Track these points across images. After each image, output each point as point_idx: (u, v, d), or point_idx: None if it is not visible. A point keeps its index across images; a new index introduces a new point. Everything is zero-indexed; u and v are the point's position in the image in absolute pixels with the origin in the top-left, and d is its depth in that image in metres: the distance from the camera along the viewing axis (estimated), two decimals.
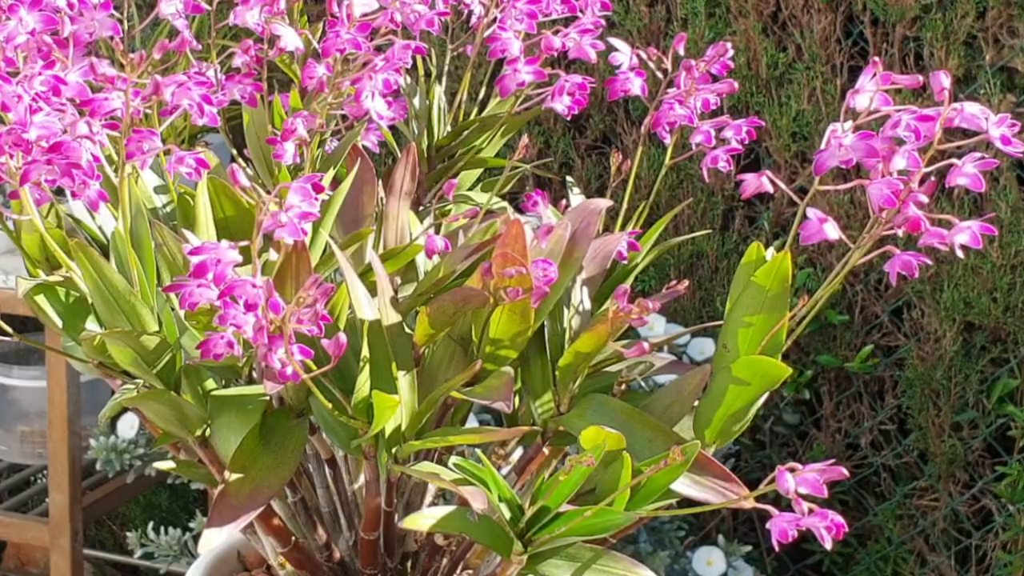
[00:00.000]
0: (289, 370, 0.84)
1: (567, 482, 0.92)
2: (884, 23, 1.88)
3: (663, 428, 0.98)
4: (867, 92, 0.93)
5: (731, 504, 0.94)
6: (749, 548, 1.88)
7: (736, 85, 1.11)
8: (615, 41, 1.13)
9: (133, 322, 0.97)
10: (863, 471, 1.98)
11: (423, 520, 0.95)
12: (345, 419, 0.97)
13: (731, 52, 1.10)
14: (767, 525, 0.88)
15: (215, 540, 0.92)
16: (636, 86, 1.12)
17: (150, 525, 2.01)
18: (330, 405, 0.96)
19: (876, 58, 0.94)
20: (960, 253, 0.93)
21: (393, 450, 0.98)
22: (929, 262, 0.95)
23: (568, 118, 1.25)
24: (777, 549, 0.89)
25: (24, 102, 0.86)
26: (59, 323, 1.04)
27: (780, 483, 0.86)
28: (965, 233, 0.92)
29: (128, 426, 2.00)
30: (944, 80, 0.89)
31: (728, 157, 1.09)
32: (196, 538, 1.97)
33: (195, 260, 0.85)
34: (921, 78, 0.94)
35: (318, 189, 0.87)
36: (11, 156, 0.86)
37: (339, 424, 0.98)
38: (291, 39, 1.02)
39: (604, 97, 2.05)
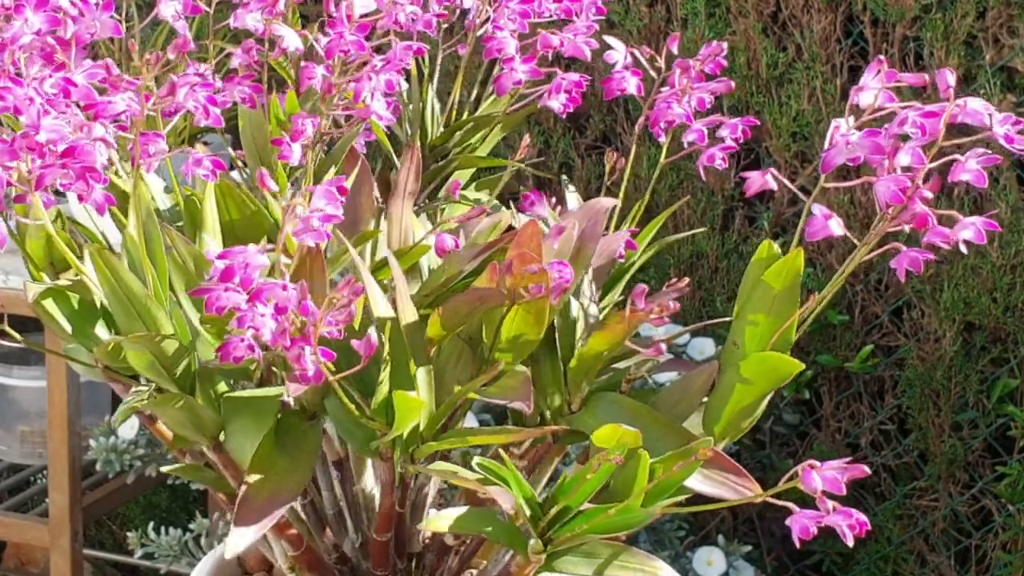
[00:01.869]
0: (311, 372, 0.84)
1: (593, 480, 0.92)
2: (884, 23, 1.88)
3: (674, 425, 0.99)
4: (872, 89, 0.93)
5: (744, 501, 0.94)
6: (749, 548, 1.88)
7: (732, 84, 1.11)
8: (610, 39, 1.13)
9: (149, 326, 0.96)
10: None
11: (442, 521, 0.95)
12: (364, 420, 0.96)
13: (725, 51, 1.10)
14: (787, 522, 0.89)
15: (241, 543, 0.92)
16: (632, 85, 1.12)
17: (150, 525, 2.00)
18: (353, 407, 0.95)
19: (881, 56, 0.94)
20: (964, 248, 0.93)
21: (409, 451, 0.98)
22: (935, 258, 0.95)
23: (564, 117, 1.25)
24: (797, 544, 0.89)
25: (36, 105, 0.85)
26: (68, 328, 1.03)
27: (806, 481, 0.87)
28: (969, 229, 0.93)
29: (128, 426, 2.00)
30: (949, 77, 0.90)
31: (724, 155, 1.09)
32: (196, 538, 1.97)
33: (222, 264, 0.84)
34: (927, 76, 0.94)
35: (342, 192, 0.87)
36: (23, 160, 0.85)
37: (356, 426, 0.97)
38: (292, 40, 1.02)
39: (604, 97, 2.04)
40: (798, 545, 0.89)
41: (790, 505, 0.89)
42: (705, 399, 1.01)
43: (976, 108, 0.91)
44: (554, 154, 2.10)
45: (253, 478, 0.95)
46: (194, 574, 1.17)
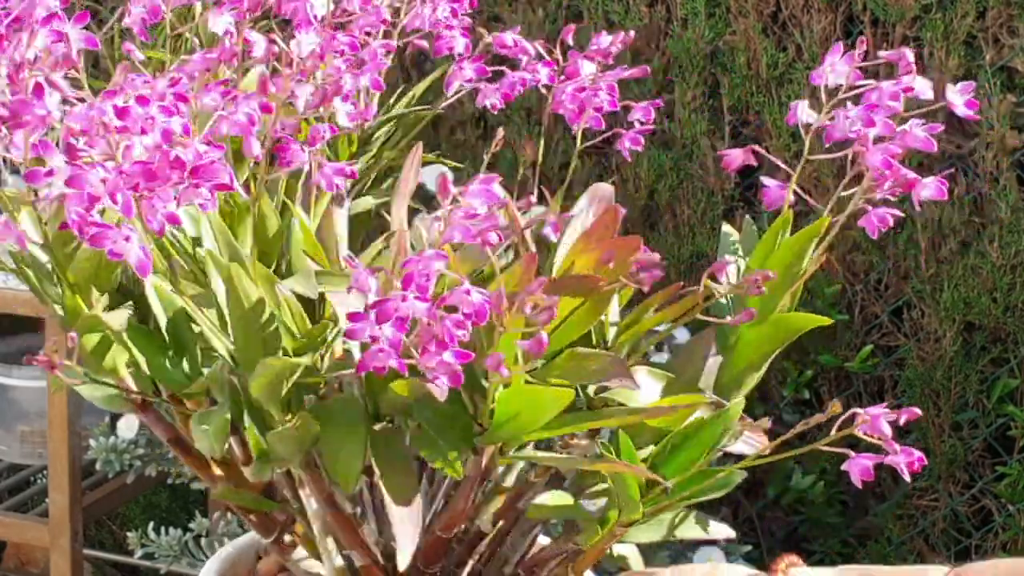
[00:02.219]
0: (450, 374, 0.83)
1: (700, 450, 0.96)
2: (884, 23, 1.88)
3: (697, 389, 1.01)
4: (840, 71, 0.99)
5: (759, 460, 0.96)
6: (749, 548, 1.88)
7: (648, 69, 1.14)
8: (514, 35, 1.14)
9: (268, 346, 0.94)
10: None
11: (545, 504, 0.98)
12: (468, 417, 0.95)
13: (632, 38, 1.13)
14: (843, 467, 0.95)
15: (410, 548, 0.92)
16: (544, 75, 1.13)
17: (150, 525, 2.00)
18: (472, 407, 0.94)
19: (840, 44, 1.01)
20: (918, 207, 0.99)
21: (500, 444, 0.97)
22: (900, 214, 1.01)
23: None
24: (859, 484, 0.95)
25: (160, 123, 0.83)
26: (143, 360, 0.98)
27: (875, 427, 0.94)
28: (929, 187, 0.97)
29: (128, 426, 2.00)
30: (909, 55, 0.98)
31: (640, 139, 1.12)
32: (196, 538, 1.97)
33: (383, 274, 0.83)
34: (904, 51, 0.99)
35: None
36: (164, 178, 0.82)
37: (451, 423, 0.96)
38: (262, 47, 1.01)
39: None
40: (859, 485, 0.95)
41: (847, 451, 0.95)
42: (720, 359, 1.04)
43: (922, 87, 0.99)
44: (554, 154, 2.10)
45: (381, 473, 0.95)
46: None
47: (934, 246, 1.87)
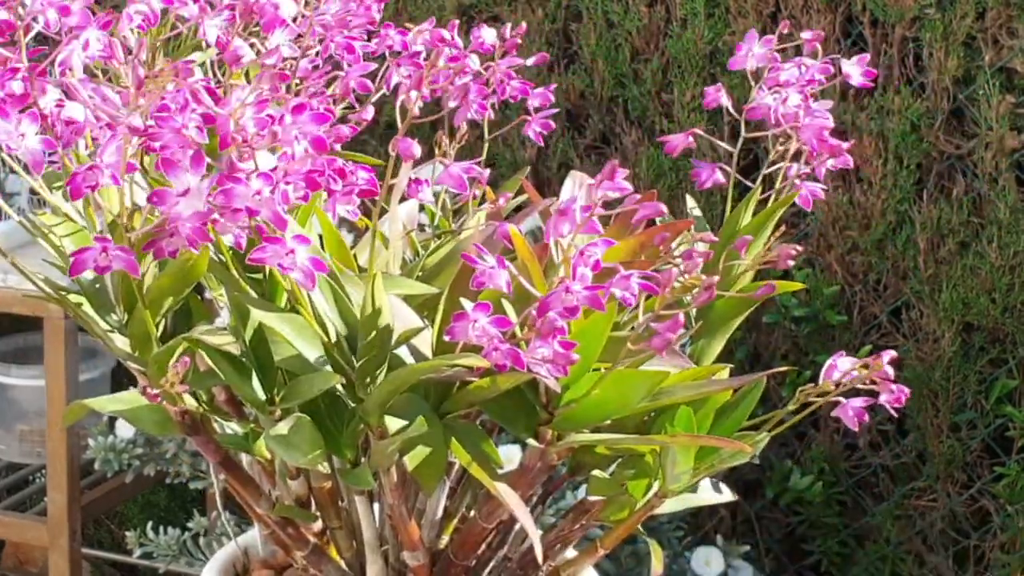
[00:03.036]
0: (562, 363, 0.85)
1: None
2: (884, 23, 1.89)
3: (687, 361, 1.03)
4: (756, 54, 1.08)
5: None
6: (747, 548, 1.88)
7: (547, 56, 1.14)
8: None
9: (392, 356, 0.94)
10: (861, 471, 1.99)
11: (603, 479, 1.01)
12: (540, 406, 0.95)
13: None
14: (834, 413, 0.96)
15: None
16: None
17: (148, 524, 2.01)
18: (545, 395, 0.94)
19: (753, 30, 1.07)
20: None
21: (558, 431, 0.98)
22: (821, 195, 1.08)
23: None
24: (855, 427, 0.95)
25: (309, 130, 0.81)
26: (259, 394, 0.95)
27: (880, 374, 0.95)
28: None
29: (126, 425, 2.00)
30: (813, 36, 1.05)
31: (542, 129, 1.12)
32: (195, 538, 1.97)
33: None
34: (822, 33, 1.06)
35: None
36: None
37: (519, 412, 0.96)
38: (247, 53, 1.00)
39: (603, 97, 2.05)
40: (855, 428, 0.95)
41: (839, 399, 0.95)
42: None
43: (850, 67, 1.06)
44: (553, 154, 2.10)
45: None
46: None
47: (933, 246, 1.87)
